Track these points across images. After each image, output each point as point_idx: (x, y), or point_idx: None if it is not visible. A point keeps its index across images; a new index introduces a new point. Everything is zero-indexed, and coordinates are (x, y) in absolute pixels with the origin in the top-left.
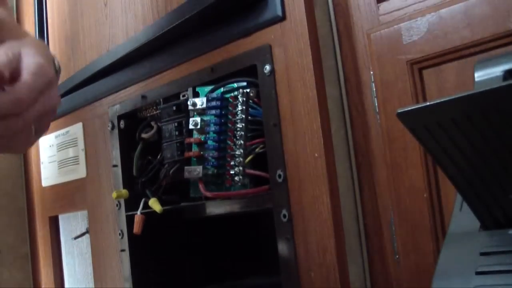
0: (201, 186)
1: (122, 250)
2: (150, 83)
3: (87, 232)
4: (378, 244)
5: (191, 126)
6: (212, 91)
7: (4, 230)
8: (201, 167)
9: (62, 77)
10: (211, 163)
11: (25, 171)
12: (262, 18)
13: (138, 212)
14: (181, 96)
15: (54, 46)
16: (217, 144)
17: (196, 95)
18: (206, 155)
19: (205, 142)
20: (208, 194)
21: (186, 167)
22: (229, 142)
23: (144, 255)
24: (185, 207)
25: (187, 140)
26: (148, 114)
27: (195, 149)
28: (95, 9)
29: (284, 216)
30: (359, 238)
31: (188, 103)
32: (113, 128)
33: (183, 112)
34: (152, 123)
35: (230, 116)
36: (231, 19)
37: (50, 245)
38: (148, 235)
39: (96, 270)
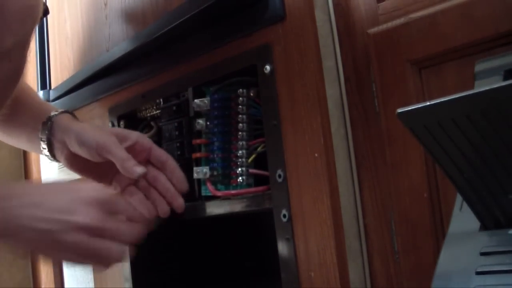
0: (209, 186)
1: None
2: (150, 83)
3: None
4: (378, 244)
5: (197, 127)
6: (215, 91)
7: None
8: (207, 167)
9: (63, 77)
10: (217, 164)
11: (25, 171)
12: (262, 18)
13: None
14: (181, 96)
15: (54, 46)
16: (222, 144)
17: (201, 94)
18: (212, 155)
19: (211, 142)
20: (219, 193)
21: (195, 168)
22: (233, 141)
23: (144, 255)
24: (185, 207)
25: (194, 141)
26: (148, 114)
27: (202, 149)
28: (95, 9)
29: (284, 216)
30: (359, 238)
31: (193, 104)
32: None
33: (183, 112)
34: (152, 123)
35: (233, 116)
36: (231, 19)
37: None
38: (148, 235)
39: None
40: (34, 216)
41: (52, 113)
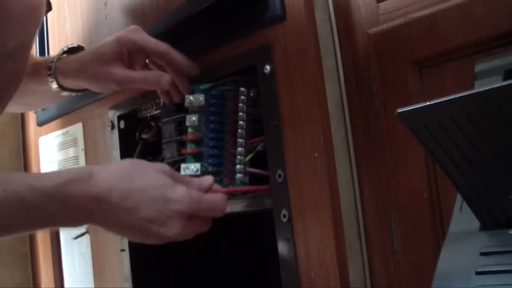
0: None
1: (122, 250)
2: None
3: (87, 232)
4: (378, 244)
5: (188, 123)
6: (211, 88)
7: None
8: (199, 164)
9: None
10: (209, 161)
11: (25, 171)
12: (262, 18)
13: None
14: None
15: (54, 46)
16: (215, 142)
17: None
18: (204, 152)
19: (203, 139)
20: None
21: (182, 165)
22: (229, 140)
23: (144, 255)
24: None
25: (184, 137)
26: (148, 114)
27: (191, 146)
28: (95, 9)
29: (284, 216)
30: (359, 238)
31: (186, 100)
32: (113, 128)
33: (183, 111)
34: (152, 123)
35: (229, 114)
36: (231, 19)
37: (50, 245)
38: None
39: (96, 270)
40: (133, 209)
41: (50, 64)
